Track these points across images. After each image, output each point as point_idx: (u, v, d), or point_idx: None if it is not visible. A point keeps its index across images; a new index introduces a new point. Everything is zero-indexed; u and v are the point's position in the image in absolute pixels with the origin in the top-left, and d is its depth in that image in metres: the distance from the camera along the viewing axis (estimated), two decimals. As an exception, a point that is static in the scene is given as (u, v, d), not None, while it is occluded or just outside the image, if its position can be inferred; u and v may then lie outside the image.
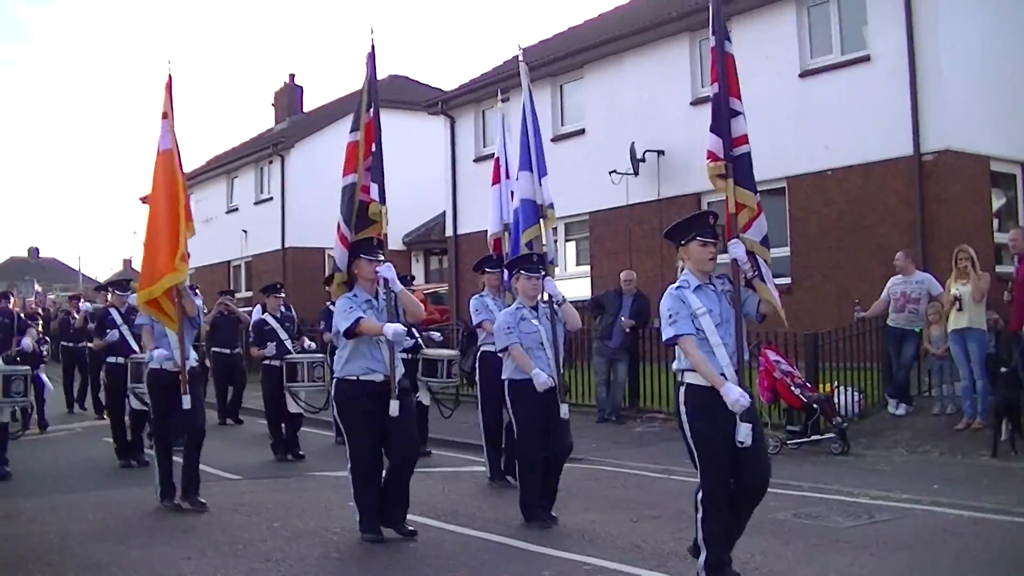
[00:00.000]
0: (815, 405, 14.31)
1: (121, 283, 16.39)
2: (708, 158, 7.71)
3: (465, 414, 15.42)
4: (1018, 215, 20.88)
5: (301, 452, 15.82)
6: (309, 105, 46.46)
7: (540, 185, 10.97)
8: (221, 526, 10.26)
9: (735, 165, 7.64)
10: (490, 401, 12.34)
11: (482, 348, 12.66)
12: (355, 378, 9.37)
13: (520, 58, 12.28)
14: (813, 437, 14.32)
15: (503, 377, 10.44)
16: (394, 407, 9.17)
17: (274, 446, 15.93)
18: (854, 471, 12.78)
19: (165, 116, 11.20)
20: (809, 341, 15.99)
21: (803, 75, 21.23)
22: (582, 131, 26.42)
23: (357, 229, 9.77)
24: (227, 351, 20.40)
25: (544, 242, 10.96)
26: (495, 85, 24.76)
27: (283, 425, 15.94)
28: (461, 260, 29.49)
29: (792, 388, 14.36)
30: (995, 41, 20.35)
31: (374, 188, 9.85)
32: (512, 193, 12.41)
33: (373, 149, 9.98)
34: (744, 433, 6.99)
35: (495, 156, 13.82)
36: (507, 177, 13.18)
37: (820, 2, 21.50)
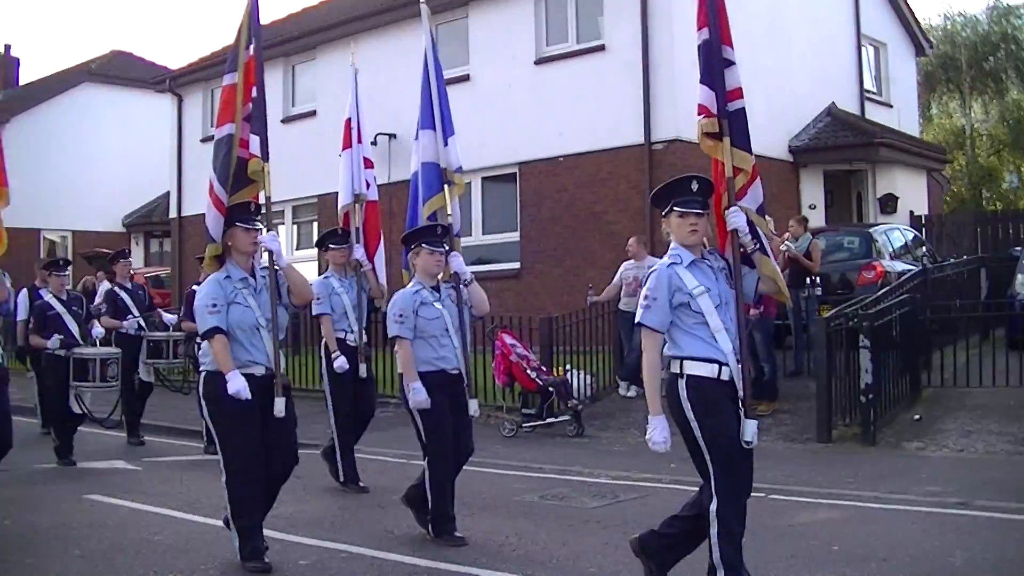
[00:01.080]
0: (550, 388, 14.45)
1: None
2: (700, 113, 6.88)
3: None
4: (740, 204, 21.67)
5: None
6: (26, 78, 44.24)
7: (446, 146, 9.49)
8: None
9: (731, 122, 6.86)
10: (342, 402, 11.03)
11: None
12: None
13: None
14: (548, 420, 14.47)
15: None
16: (279, 405, 7.66)
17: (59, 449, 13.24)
18: (592, 452, 13.00)
19: None
20: (544, 325, 16.19)
21: (539, 62, 21.52)
22: (313, 113, 26.09)
23: (233, 191, 8.01)
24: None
25: (450, 212, 9.44)
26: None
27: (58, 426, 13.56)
28: (185, 242, 28.70)
29: (528, 371, 14.47)
30: (735, 43, 21.04)
31: (254, 141, 8.16)
32: (366, 159, 11.83)
33: (254, 94, 8.27)
34: (751, 431, 6.22)
35: (347, 118, 12.09)
36: (359, 142, 11.89)
37: (557, -9, 21.81)
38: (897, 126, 27.10)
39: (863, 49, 27.27)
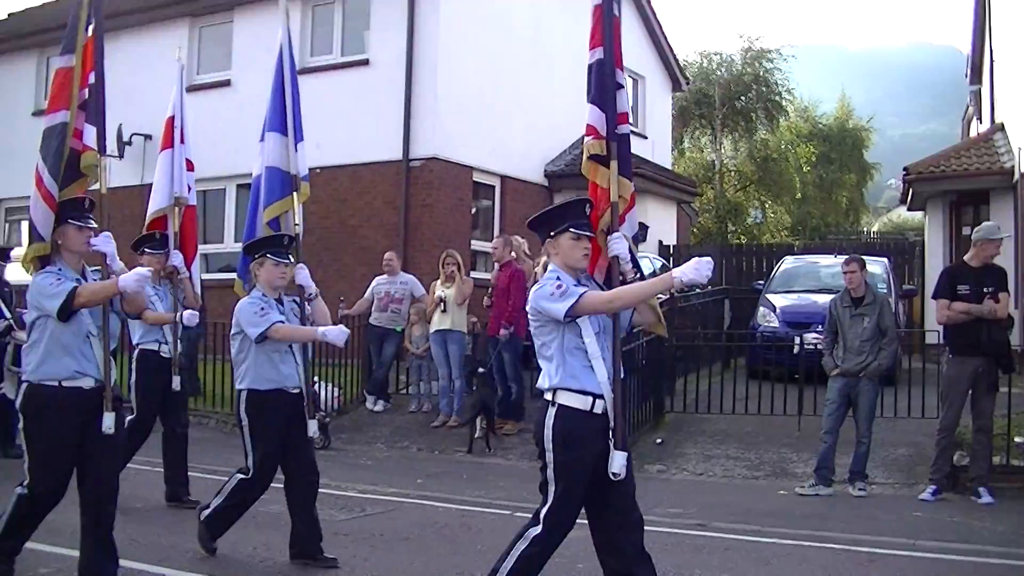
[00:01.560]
0: (299, 399, 14.38)
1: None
2: (588, 133, 6.72)
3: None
4: (494, 224, 22.09)
5: None
6: None
7: (296, 151, 8.84)
8: None
9: (618, 146, 6.70)
10: (166, 404, 10.38)
11: (139, 346, 10.38)
12: (56, 383, 6.87)
13: None
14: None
15: (239, 387, 8.15)
16: (108, 421, 6.90)
17: None
18: (339, 465, 12.99)
19: None
20: (295, 335, 16.09)
21: (302, 72, 21.29)
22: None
23: (64, 184, 7.19)
24: None
25: (297, 222, 8.73)
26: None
27: None
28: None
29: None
30: (490, 65, 21.51)
31: (89, 132, 7.37)
32: (188, 161, 11.04)
33: (92, 80, 7.43)
34: (619, 463, 5.94)
35: (169, 115, 11.19)
36: (181, 142, 11.07)
37: (325, 2, 21.85)
38: (651, 157, 27.97)
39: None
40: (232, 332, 8.22)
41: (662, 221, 26.53)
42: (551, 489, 6.10)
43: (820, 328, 12.52)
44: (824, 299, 11.91)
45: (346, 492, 11.23)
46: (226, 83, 22.08)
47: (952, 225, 22.80)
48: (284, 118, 8.89)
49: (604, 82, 6.85)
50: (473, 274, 19.30)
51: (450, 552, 8.78)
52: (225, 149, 20.63)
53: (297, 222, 8.74)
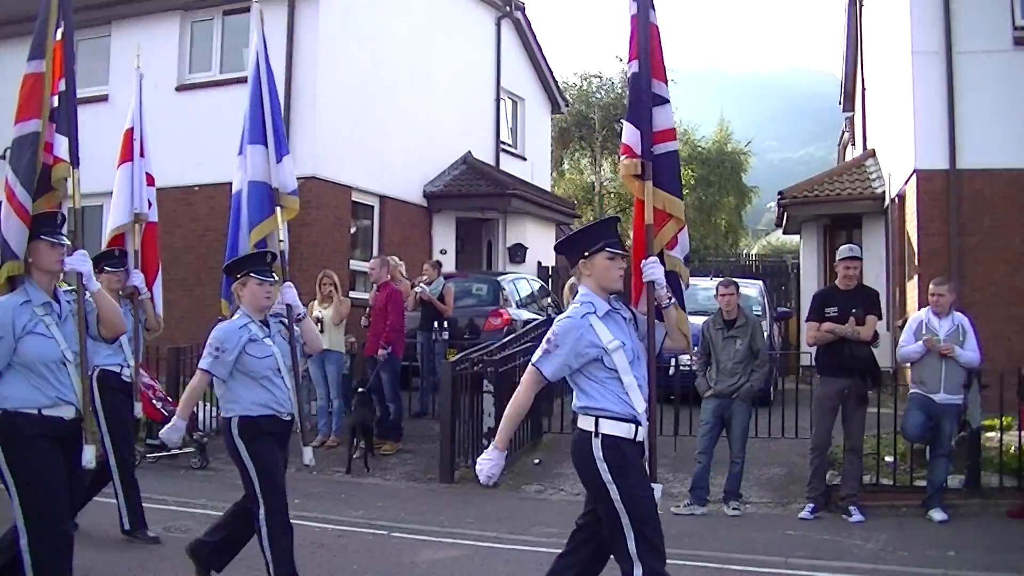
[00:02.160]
0: (176, 419, 14.20)
1: None
2: (623, 152, 6.48)
3: None
4: (373, 244, 22.08)
5: None
6: None
7: (279, 164, 8.40)
8: None
9: (656, 165, 6.41)
10: (122, 430, 9.73)
11: (100, 367, 9.54)
12: (34, 412, 6.30)
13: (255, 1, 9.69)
14: (173, 451, 14.19)
15: (226, 415, 7.53)
16: (88, 455, 6.53)
17: None
18: (216, 485, 12.86)
19: None
20: (172, 355, 15.95)
21: (180, 89, 21.26)
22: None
23: (35, 197, 6.69)
24: None
25: (282, 239, 8.34)
26: None
27: None
28: None
29: (154, 401, 14.17)
30: (369, 84, 21.58)
31: (60, 143, 6.89)
32: (148, 175, 10.86)
33: (62, 87, 6.94)
34: (657, 495, 5.91)
35: (128, 127, 10.87)
36: (141, 156, 10.78)
37: (204, 19, 21.68)
38: (530, 178, 28.21)
39: (502, 102, 28.25)
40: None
41: (541, 242, 26.73)
42: (626, 521, 5.81)
43: (695, 350, 12.72)
44: (699, 321, 12.09)
45: (223, 512, 11.09)
46: (104, 98, 21.74)
47: (826, 248, 23.33)
48: (264, 130, 8.51)
49: (639, 97, 6.52)
50: (352, 294, 19.30)
51: (326, 572, 8.76)
52: (101, 164, 20.34)
53: (282, 238, 8.38)
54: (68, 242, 6.61)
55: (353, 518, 11.11)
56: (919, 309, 12.77)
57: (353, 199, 21.48)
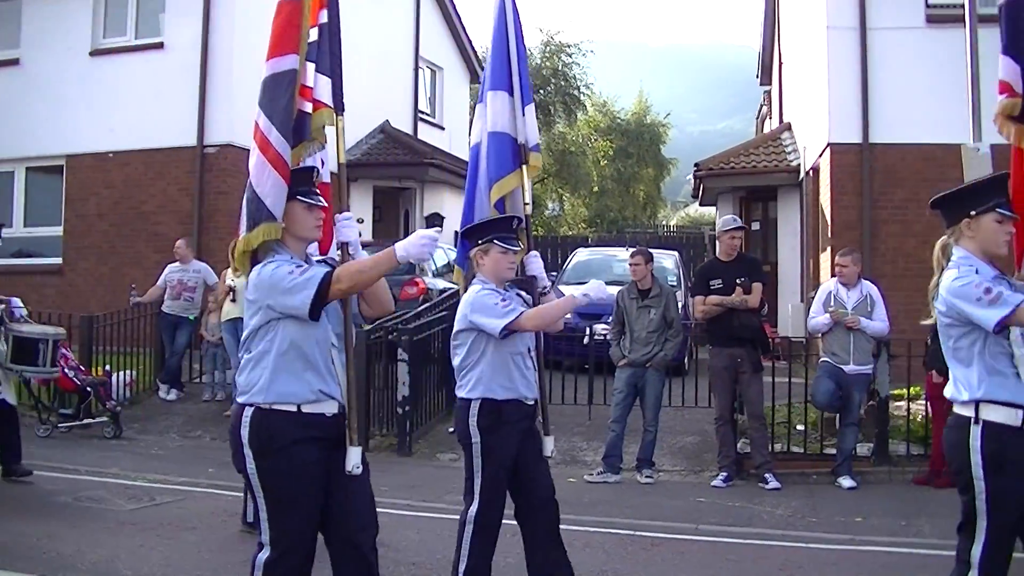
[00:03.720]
0: (89, 388, 14.06)
1: None
2: (1002, 91, 5.71)
3: None
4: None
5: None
6: None
7: (523, 116, 7.51)
8: None
9: None
10: None
11: None
12: (294, 408, 5.14)
13: None
14: (86, 420, 14.06)
15: (470, 395, 6.60)
16: (354, 458, 5.31)
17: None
18: (130, 455, 12.78)
19: None
20: (85, 323, 15.74)
21: (94, 54, 20.92)
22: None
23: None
24: None
25: (527, 201, 7.50)
26: None
27: None
28: None
29: (66, 370, 14.01)
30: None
31: (322, 84, 5.90)
32: None
33: (323, 18, 5.92)
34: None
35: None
36: None
37: (119, -17, 21.30)
38: (448, 148, 28.17)
39: (420, 71, 28.17)
40: (457, 329, 6.73)
41: (458, 211, 26.60)
42: (983, 524, 5.16)
43: (610, 319, 12.80)
44: (615, 291, 12.16)
45: (135, 482, 11.04)
46: (15, 62, 21.35)
47: (742, 220, 23.51)
48: (510, 75, 7.55)
49: (1020, 26, 5.70)
50: (269, 262, 19.18)
51: (239, 540, 8.73)
52: (13, 130, 20.13)
53: (527, 200, 7.53)
54: (325, 203, 5.55)
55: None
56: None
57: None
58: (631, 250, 13.09)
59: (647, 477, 11.82)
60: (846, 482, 11.41)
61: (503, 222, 6.87)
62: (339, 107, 5.90)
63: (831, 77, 17.32)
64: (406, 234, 24.89)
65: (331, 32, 5.92)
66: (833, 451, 11.98)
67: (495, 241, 6.65)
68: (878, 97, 16.90)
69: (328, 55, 5.89)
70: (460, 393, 6.65)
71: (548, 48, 46.57)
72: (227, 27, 19.89)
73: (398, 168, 24.51)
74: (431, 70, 29.41)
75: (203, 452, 13.27)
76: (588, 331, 15.23)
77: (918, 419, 12.54)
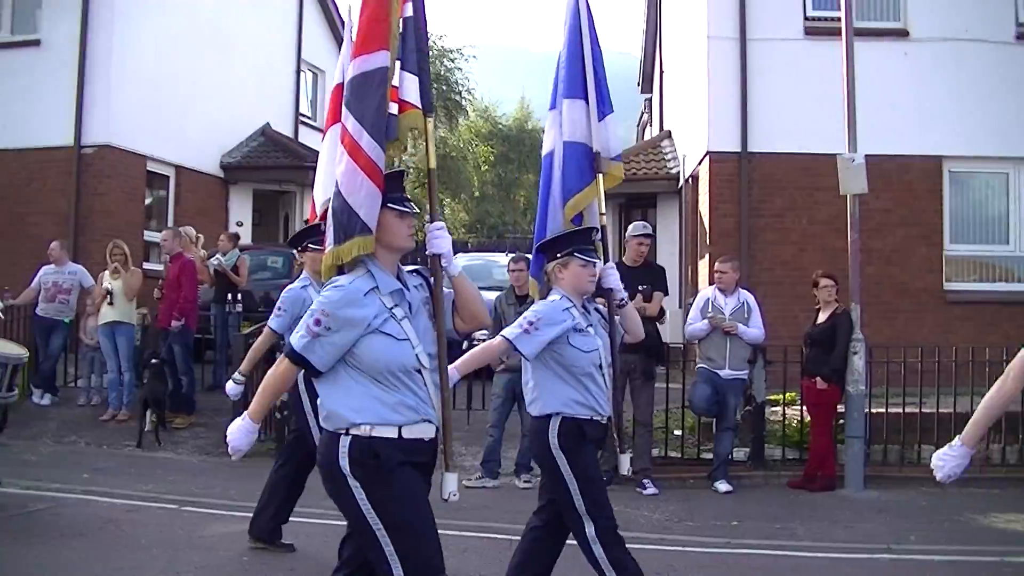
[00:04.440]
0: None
1: None
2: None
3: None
4: (168, 215, 21.65)
5: None
6: None
7: (602, 123, 7.22)
8: None
9: None
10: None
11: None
12: (394, 434, 4.79)
13: None
14: (-42, 425, 13.74)
15: (540, 413, 6.47)
16: (451, 484, 5.14)
17: None
18: (1, 461, 12.49)
19: None
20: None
21: (-33, 51, 20.46)
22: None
23: None
24: None
25: (603, 210, 7.19)
26: None
27: None
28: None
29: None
30: (169, 52, 21.12)
31: (409, 83, 5.47)
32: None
33: (407, 11, 5.46)
34: None
35: (337, 82, 9.03)
36: None
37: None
38: (325, 151, 27.93)
39: (302, 74, 27.96)
40: None
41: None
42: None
43: (488, 326, 12.79)
44: (492, 296, 12.17)
45: (7, 489, 10.79)
46: None
47: (621, 225, 23.69)
48: (584, 82, 7.29)
49: None
50: (146, 265, 18.91)
51: (112, 547, 8.60)
52: None
53: (603, 211, 7.20)
54: (417, 210, 5.22)
55: (143, 492, 10.92)
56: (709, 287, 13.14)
57: (148, 168, 21.00)
58: (511, 255, 13.12)
59: (525, 482, 11.83)
60: (723, 486, 11.57)
61: (582, 234, 6.63)
62: (428, 107, 5.49)
63: (711, 86, 17.54)
64: (286, 238, 24.73)
65: (416, 27, 5.50)
66: (710, 456, 12.15)
67: (575, 254, 6.41)
68: (757, 107, 17.15)
69: (415, 52, 5.49)
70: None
71: (432, 52, 46.51)
72: (106, 24, 19.55)
73: (279, 171, 24.24)
74: (313, 73, 29.21)
75: (78, 457, 13.05)
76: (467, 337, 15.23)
77: (793, 424, 12.77)
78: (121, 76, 19.63)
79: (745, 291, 12.15)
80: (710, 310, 11.78)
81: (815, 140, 15.73)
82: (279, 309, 8.41)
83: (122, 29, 19.54)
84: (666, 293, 12.01)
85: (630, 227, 12.26)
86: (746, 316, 11.75)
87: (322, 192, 8.98)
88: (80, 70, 19.35)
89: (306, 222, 8.83)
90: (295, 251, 9.57)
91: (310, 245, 8.75)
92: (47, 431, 14.34)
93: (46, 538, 8.83)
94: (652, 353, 11.69)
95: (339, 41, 29.86)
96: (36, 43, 20.06)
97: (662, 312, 11.97)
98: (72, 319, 15.69)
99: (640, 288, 11.49)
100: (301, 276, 8.79)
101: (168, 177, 21.87)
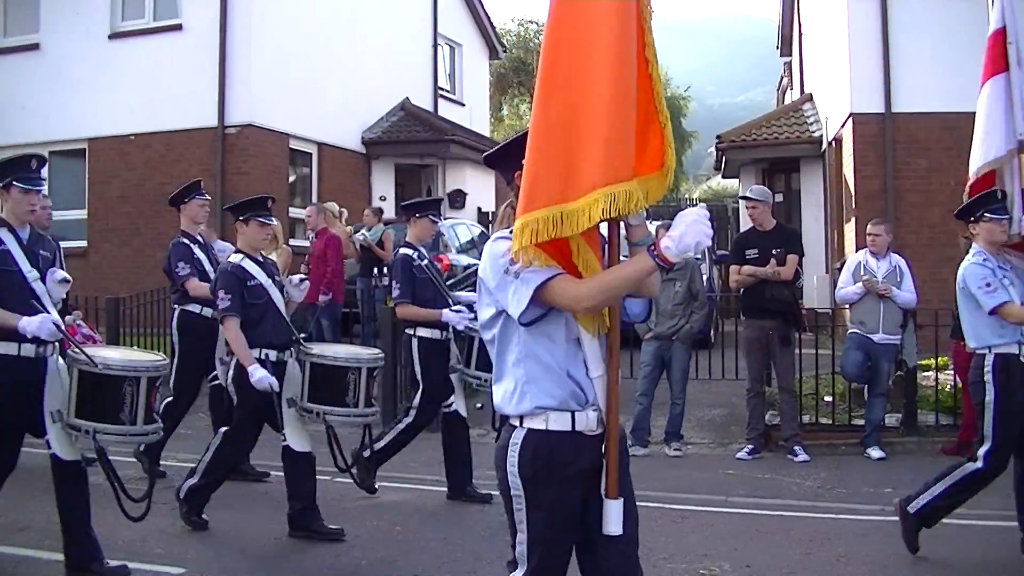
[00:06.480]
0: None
1: None
2: None
3: None
4: (312, 192, 21.96)
5: None
6: None
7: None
8: None
9: None
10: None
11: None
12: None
13: None
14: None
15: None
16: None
17: None
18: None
19: None
20: (110, 305, 15.75)
21: (113, 37, 20.93)
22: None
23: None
24: None
25: None
26: None
27: None
28: None
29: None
30: (306, 31, 21.50)
31: None
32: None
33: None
34: None
35: (994, 29, 7.67)
36: (1020, 66, 7.53)
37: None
38: (469, 124, 28.09)
39: (439, 48, 28.06)
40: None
41: (481, 188, 26.67)
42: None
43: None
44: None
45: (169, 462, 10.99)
46: (34, 47, 21.42)
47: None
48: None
49: None
50: (291, 242, 19.19)
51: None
52: (33, 116, 20.28)
53: None
54: None
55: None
56: (856, 251, 12.90)
57: (291, 146, 21.36)
58: (655, 223, 13.04)
59: (675, 450, 11.80)
60: (875, 453, 11.37)
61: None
62: None
63: (852, 47, 17.21)
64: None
65: None
66: (861, 422, 11.94)
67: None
68: (900, 66, 16.79)
69: None
70: None
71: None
72: (245, 6, 19.92)
73: (419, 146, 24.42)
74: (450, 46, 29.31)
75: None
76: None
77: (946, 389, 12.47)
78: (260, 56, 19.93)
79: (896, 255, 11.89)
80: (863, 273, 11.55)
81: (960, 98, 15.25)
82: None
83: (260, 10, 19.86)
84: (801, 255, 11.82)
85: (749, 191, 12.15)
86: (899, 279, 11.50)
87: (981, 155, 7.76)
88: (221, 52, 19.72)
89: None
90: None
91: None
92: (201, 406, 14.60)
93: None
94: (789, 318, 11.55)
95: (475, 14, 29.95)
96: (178, 27, 20.48)
97: (797, 275, 11.78)
98: (223, 296, 15.94)
99: (773, 252, 11.35)
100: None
101: (310, 154, 22.21)
